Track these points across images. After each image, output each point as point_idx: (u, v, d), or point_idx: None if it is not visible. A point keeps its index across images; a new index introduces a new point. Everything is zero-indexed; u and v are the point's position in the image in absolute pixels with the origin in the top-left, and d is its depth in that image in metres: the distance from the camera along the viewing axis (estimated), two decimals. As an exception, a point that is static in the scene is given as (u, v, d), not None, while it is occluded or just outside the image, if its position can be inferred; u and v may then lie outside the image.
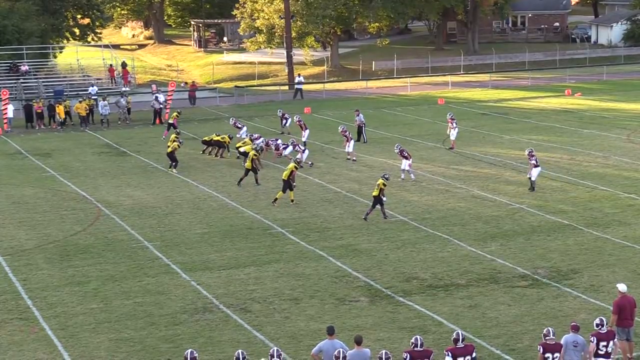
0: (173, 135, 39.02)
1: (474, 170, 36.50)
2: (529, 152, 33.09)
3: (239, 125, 43.97)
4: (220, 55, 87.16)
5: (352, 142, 39.09)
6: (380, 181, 29.18)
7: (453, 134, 40.77)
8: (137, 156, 41.35)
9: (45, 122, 50.78)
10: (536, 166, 32.55)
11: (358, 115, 43.95)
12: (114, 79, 61.30)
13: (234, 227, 28.93)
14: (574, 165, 36.84)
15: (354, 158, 38.71)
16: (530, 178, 32.65)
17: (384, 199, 29.30)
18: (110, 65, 62.50)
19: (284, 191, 31.35)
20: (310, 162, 37.53)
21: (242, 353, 15.46)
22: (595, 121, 48.20)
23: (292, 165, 31.78)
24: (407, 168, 34.59)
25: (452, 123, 40.81)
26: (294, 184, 31.78)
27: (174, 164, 37.30)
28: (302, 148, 37.65)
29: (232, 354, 15.95)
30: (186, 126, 48.52)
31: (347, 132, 39.46)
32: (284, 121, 45.85)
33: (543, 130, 45.59)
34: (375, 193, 29.12)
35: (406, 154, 34.73)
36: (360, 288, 22.98)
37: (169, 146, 37.73)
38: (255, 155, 34.50)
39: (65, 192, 34.50)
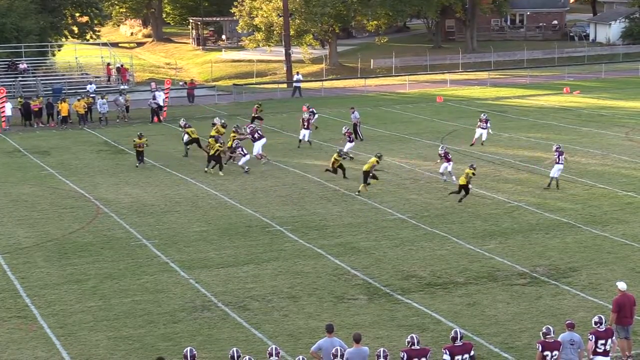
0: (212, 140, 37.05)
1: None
2: (557, 147, 32.57)
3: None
4: (218, 53, 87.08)
5: (352, 143, 39.12)
6: (469, 170, 30.31)
7: (484, 134, 40.42)
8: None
9: (44, 120, 50.75)
10: (558, 163, 32.22)
11: (353, 113, 43.80)
12: (111, 77, 61.32)
13: (232, 225, 28.93)
14: (573, 163, 36.77)
15: (351, 156, 38.67)
16: (553, 176, 32.20)
17: (470, 187, 30.31)
18: (108, 63, 62.49)
19: (364, 182, 32.08)
20: (267, 158, 37.42)
21: (237, 351, 15.45)
22: (593, 119, 48.18)
23: (374, 159, 32.39)
24: (449, 169, 33.74)
25: (485, 123, 40.42)
26: (371, 175, 32.23)
27: (216, 164, 36.21)
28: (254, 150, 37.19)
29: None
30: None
31: (351, 135, 39.55)
32: (312, 117, 44.96)
33: (541, 128, 45.57)
34: (462, 182, 30.20)
35: (450, 157, 34.01)
36: (358, 286, 22.98)
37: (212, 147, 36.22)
38: (338, 157, 34.42)
39: (64, 190, 34.48)
